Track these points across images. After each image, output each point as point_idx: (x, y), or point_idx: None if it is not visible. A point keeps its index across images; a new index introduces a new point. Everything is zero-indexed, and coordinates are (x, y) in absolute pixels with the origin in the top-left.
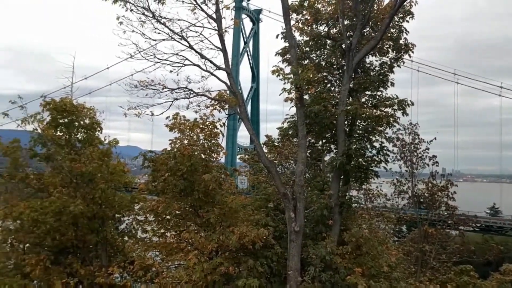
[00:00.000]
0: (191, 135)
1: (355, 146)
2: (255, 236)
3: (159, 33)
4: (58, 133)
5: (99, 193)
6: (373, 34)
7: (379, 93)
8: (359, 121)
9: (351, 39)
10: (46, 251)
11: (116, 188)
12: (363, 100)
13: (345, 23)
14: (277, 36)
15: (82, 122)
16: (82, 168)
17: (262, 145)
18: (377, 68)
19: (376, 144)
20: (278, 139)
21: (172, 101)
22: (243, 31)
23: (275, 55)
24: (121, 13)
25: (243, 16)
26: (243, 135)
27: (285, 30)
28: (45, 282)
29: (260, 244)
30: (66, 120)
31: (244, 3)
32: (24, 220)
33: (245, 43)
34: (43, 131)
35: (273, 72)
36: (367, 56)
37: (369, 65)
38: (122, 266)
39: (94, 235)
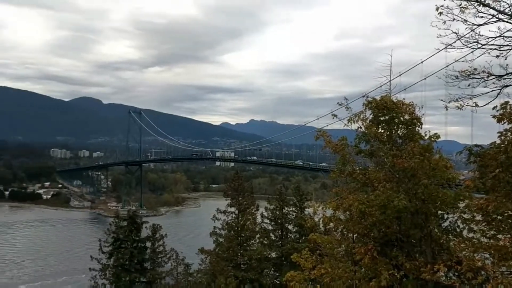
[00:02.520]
0: None
1: None
2: None
3: (482, 16)
4: (380, 130)
5: (421, 189)
6: None
7: None
8: None
9: None
10: (372, 242)
11: (439, 184)
12: None
13: None
14: None
15: (402, 118)
16: (404, 163)
17: None
18: None
19: None
20: None
21: (500, 89)
22: None
23: None
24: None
25: None
26: None
27: None
28: (372, 271)
29: None
30: (386, 117)
31: None
32: (353, 212)
33: None
34: (367, 129)
35: None
36: None
37: None
38: (448, 265)
39: (418, 230)
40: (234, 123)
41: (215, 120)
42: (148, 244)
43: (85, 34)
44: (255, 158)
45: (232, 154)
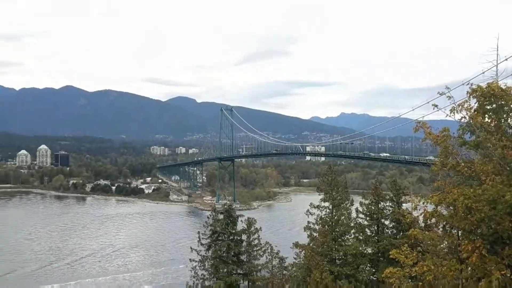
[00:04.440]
0: None
1: None
2: None
3: None
4: (486, 119)
5: None
6: None
7: None
8: None
9: None
10: (480, 239)
11: None
12: None
13: None
14: None
15: None
16: None
17: None
18: None
19: None
20: None
21: None
22: None
23: None
24: None
25: None
26: None
27: None
28: (481, 271)
29: None
30: (494, 105)
31: None
32: (458, 207)
33: None
34: (471, 119)
35: None
36: None
37: None
38: None
39: None
40: (324, 117)
41: (305, 114)
42: (244, 237)
43: (178, 36)
44: (377, 153)
45: (323, 149)
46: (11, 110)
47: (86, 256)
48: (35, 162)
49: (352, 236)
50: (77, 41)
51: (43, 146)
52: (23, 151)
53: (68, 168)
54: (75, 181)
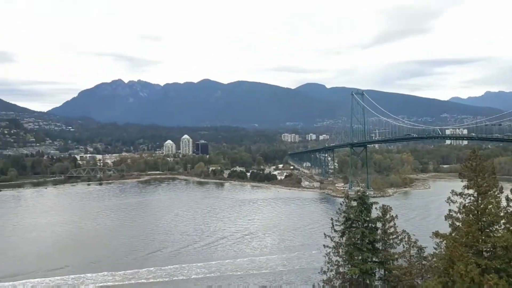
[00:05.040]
0: None
1: None
2: None
3: None
4: None
5: None
6: None
7: None
8: None
9: None
10: None
11: None
12: None
13: None
14: None
15: None
16: None
17: None
18: None
19: None
20: None
21: None
22: None
23: None
24: None
25: None
26: None
27: None
28: None
29: None
30: None
31: None
32: None
33: None
34: None
35: None
36: None
37: None
38: None
39: None
40: (465, 97)
41: (443, 95)
42: (379, 224)
43: (307, 22)
44: None
45: (465, 131)
46: (157, 104)
47: (225, 237)
48: (179, 151)
49: (502, 227)
50: (209, 37)
51: (186, 136)
52: (169, 141)
53: (207, 156)
54: (214, 168)
